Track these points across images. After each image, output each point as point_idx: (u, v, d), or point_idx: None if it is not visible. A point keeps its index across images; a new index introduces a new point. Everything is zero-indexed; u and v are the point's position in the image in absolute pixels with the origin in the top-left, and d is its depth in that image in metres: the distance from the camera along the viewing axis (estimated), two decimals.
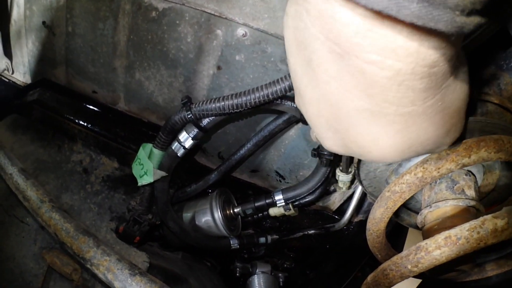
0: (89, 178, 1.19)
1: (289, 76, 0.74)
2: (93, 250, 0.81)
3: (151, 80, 1.07)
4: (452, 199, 0.59)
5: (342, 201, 1.22)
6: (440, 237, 0.49)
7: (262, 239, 1.27)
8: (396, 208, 0.62)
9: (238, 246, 1.21)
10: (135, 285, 0.76)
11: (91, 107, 1.19)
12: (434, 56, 0.31)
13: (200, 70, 0.99)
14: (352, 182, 1.02)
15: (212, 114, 0.86)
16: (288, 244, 1.35)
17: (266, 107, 0.86)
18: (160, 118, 1.15)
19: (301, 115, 0.87)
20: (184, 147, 0.94)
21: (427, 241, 0.50)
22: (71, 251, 0.83)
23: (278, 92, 0.75)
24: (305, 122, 0.96)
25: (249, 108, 0.80)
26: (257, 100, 0.77)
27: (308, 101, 0.42)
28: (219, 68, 0.97)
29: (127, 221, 1.10)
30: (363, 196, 1.12)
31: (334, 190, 1.21)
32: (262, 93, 0.76)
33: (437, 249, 0.48)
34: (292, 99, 0.86)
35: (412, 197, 0.65)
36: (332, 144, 0.46)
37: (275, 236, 1.29)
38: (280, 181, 1.21)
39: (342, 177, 0.98)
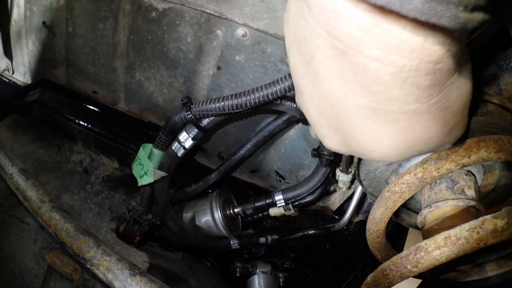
0: (89, 178, 1.19)
1: (289, 76, 0.74)
2: (93, 250, 0.81)
3: (151, 81, 1.07)
4: (452, 199, 0.59)
5: (342, 201, 1.22)
6: (439, 237, 0.49)
7: (262, 239, 1.27)
8: (396, 208, 0.62)
9: (238, 246, 1.21)
10: (135, 285, 0.76)
11: (91, 107, 1.19)
12: (439, 52, 0.30)
13: (200, 70, 0.99)
14: (352, 182, 1.02)
15: (212, 114, 0.86)
16: (288, 244, 1.35)
17: (266, 107, 0.86)
18: (160, 118, 1.15)
19: (301, 115, 0.87)
20: (184, 147, 0.94)
21: (427, 241, 0.50)
22: (71, 251, 0.83)
23: (278, 92, 0.75)
24: (305, 122, 0.96)
25: (249, 109, 0.80)
26: (257, 100, 0.77)
27: (309, 99, 0.42)
28: (219, 68, 0.97)
29: (127, 221, 1.10)
30: (363, 196, 1.12)
31: (334, 190, 1.20)
32: (262, 93, 0.76)
33: (437, 249, 0.48)
34: (292, 99, 0.86)
35: (412, 197, 0.65)
36: (333, 143, 0.45)
37: (275, 236, 1.29)
38: (280, 181, 1.21)
39: (342, 177, 0.98)
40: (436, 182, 0.63)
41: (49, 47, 1.16)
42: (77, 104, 1.19)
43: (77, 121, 1.18)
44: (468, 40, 0.52)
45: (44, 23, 1.12)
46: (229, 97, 0.80)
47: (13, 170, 0.94)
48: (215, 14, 0.88)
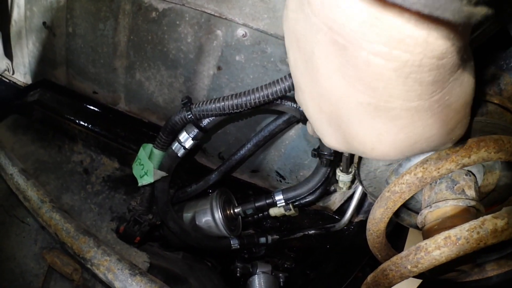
0: (90, 179, 1.19)
1: (289, 76, 0.74)
2: (94, 250, 0.81)
3: (152, 81, 1.07)
4: (452, 199, 0.59)
5: (342, 201, 1.22)
6: (439, 237, 0.49)
7: (263, 239, 1.27)
8: (396, 208, 0.62)
9: (238, 246, 1.21)
10: (135, 285, 0.76)
11: (91, 107, 1.19)
12: (443, 47, 0.30)
13: (200, 70, 0.99)
14: (352, 182, 1.02)
15: (212, 114, 0.87)
16: (289, 244, 1.35)
17: (266, 107, 0.86)
18: (161, 118, 1.16)
19: (301, 115, 0.88)
20: (184, 147, 0.95)
21: (427, 241, 0.50)
22: (72, 251, 0.83)
23: (278, 92, 0.75)
24: (305, 122, 0.96)
25: (249, 109, 0.80)
26: (257, 100, 0.77)
27: (308, 96, 0.41)
28: (219, 68, 0.97)
29: (128, 221, 1.10)
30: (364, 196, 1.12)
31: (335, 190, 1.20)
32: (262, 94, 0.76)
33: (437, 249, 0.48)
34: (292, 99, 0.86)
35: (412, 197, 0.65)
36: (333, 141, 0.44)
37: (276, 236, 1.29)
38: (281, 181, 1.21)
39: (343, 177, 0.98)
40: (436, 182, 0.63)
41: (49, 47, 1.16)
42: (78, 104, 1.19)
43: (77, 121, 1.18)
44: (470, 39, 0.52)
45: (44, 23, 1.12)
46: (229, 97, 0.80)
47: (14, 170, 0.94)
48: (215, 14, 0.88)
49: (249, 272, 1.28)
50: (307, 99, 0.42)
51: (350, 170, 0.97)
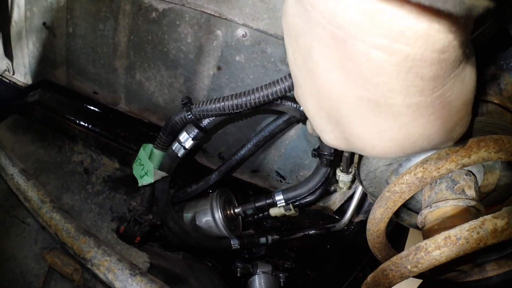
0: (90, 179, 1.19)
1: (289, 77, 0.74)
2: (94, 250, 0.81)
3: (152, 81, 1.07)
4: (452, 199, 0.59)
5: (342, 201, 1.22)
6: (439, 237, 0.49)
7: (263, 239, 1.27)
8: (396, 208, 0.62)
9: (238, 246, 1.22)
10: (135, 285, 0.76)
11: (91, 107, 1.19)
12: (445, 40, 0.29)
13: (200, 70, 0.99)
14: (352, 182, 1.02)
15: (212, 114, 0.87)
16: (289, 244, 1.35)
17: (266, 107, 0.86)
18: (161, 118, 1.16)
19: (301, 115, 0.88)
20: (184, 148, 0.95)
21: (427, 241, 0.50)
22: (72, 251, 0.83)
23: (278, 92, 0.75)
24: (305, 122, 0.96)
25: (249, 109, 0.80)
26: (257, 100, 0.77)
27: (308, 92, 0.40)
28: (219, 68, 0.97)
29: (128, 221, 1.10)
30: (364, 196, 1.12)
31: (335, 190, 1.21)
32: (262, 94, 0.76)
33: (437, 250, 0.48)
34: (292, 99, 0.86)
35: (412, 197, 0.65)
36: (332, 139, 0.43)
37: (276, 236, 1.29)
38: (281, 181, 1.21)
39: (343, 177, 0.98)
40: (436, 182, 0.63)
41: (49, 47, 1.16)
42: (78, 105, 1.19)
43: (77, 121, 1.18)
44: (470, 38, 0.52)
45: (44, 23, 1.12)
46: (229, 97, 0.80)
47: (14, 170, 0.94)
48: (215, 14, 0.88)
49: (249, 272, 1.28)
50: (306, 96, 0.41)
51: (350, 170, 0.97)
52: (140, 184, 1.00)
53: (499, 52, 0.70)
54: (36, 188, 0.91)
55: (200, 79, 1.01)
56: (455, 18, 0.27)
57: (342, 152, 0.90)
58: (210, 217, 1.15)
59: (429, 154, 0.58)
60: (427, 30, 0.28)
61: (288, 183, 1.21)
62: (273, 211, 1.17)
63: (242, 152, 1.09)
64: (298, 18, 0.34)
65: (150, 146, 1.00)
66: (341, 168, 0.97)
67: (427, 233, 0.61)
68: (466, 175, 0.62)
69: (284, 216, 1.20)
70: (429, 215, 0.61)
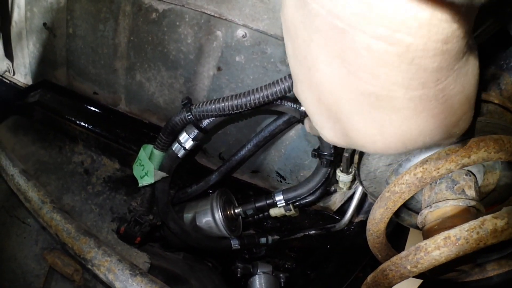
0: (90, 179, 1.19)
1: (289, 77, 0.74)
2: (94, 251, 0.81)
3: (152, 81, 1.07)
4: (452, 199, 0.59)
5: (342, 202, 1.22)
6: (439, 238, 0.49)
7: (263, 240, 1.27)
8: (396, 209, 0.62)
9: (239, 247, 1.22)
10: (136, 285, 0.76)
11: (92, 108, 1.19)
12: (448, 30, 0.28)
13: (200, 71, 0.99)
14: (352, 182, 1.02)
15: (212, 115, 0.87)
16: (289, 244, 1.35)
17: (266, 108, 0.86)
18: (161, 119, 1.16)
19: (301, 115, 0.88)
20: (184, 148, 0.95)
21: (427, 241, 0.50)
22: (72, 252, 0.83)
23: (278, 93, 0.75)
24: None
25: (249, 109, 0.80)
26: (257, 101, 0.77)
27: (307, 87, 0.40)
28: (219, 69, 0.97)
29: (128, 221, 1.10)
30: (364, 197, 1.12)
31: (335, 191, 1.21)
32: (262, 94, 0.76)
33: (437, 250, 0.48)
34: (292, 99, 0.86)
35: (412, 197, 0.65)
36: (331, 135, 0.43)
37: (276, 237, 1.29)
38: (281, 182, 1.22)
39: (343, 178, 0.98)
40: (436, 182, 0.63)
41: (49, 48, 1.16)
42: (78, 105, 1.19)
43: (78, 122, 1.18)
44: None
45: (44, 24, 1.12)
46: (229, 98, 0.80)
47: (14, 171, 0.94)
48: (215, 15, 0.88)
49: (249, 273, 1.28)
50: (306, 91, 0.40)
51: (350, 170, 0.97)
52: (140, 185, 1.00)
53: (499, 52, 0.70)
54: (37, 189, 0.91)
55: (200, 79, 1.01)
56: (457, 7, 0.27)
57: (342, 152, 0.90)
58: (211, 218, 1.15)
59: (429, 154, 0.58)
60: (429, 19, 0.27)
61: (288, 183, 1.21)
62: (273, 212, 1.17)
63: (242, 152, 1.09)
64: (297, 11, 0.34)
65: (150, 146, 1.00)
66: (341, 169, 0.97)
67: (427, 233, 0.61)
68: (466, 175, 0.62)
69: (284, 216, 1.20)
70: (429, 215, 0.62)
